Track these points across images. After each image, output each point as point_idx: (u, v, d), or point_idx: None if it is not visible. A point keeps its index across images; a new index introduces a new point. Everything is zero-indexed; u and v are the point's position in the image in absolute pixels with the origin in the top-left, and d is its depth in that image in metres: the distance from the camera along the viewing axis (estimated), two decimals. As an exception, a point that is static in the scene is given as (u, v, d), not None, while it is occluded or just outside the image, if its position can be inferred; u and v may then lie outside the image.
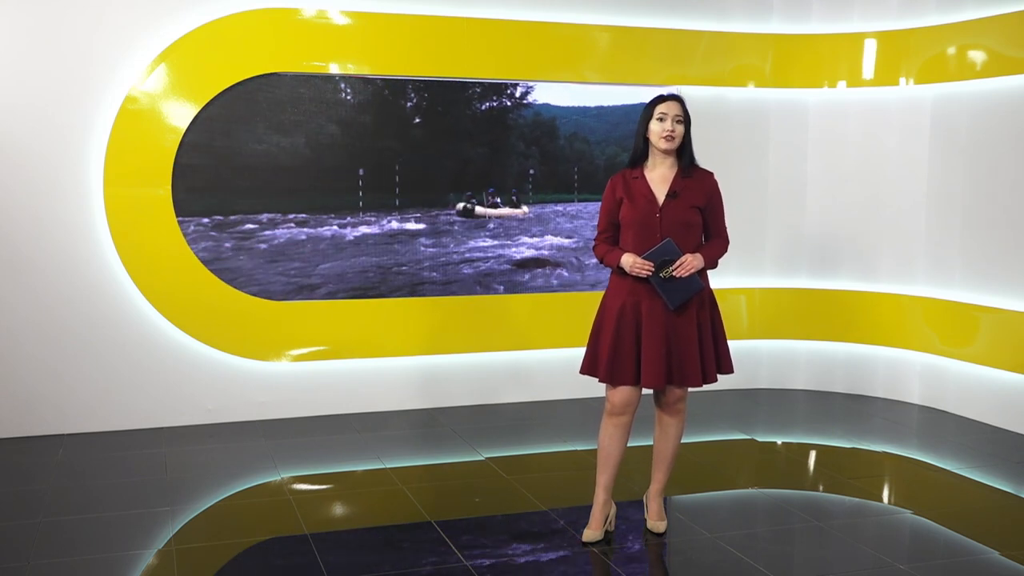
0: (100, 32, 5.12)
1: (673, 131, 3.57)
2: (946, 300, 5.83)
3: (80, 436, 5.22)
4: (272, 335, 5.55)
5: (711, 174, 3.69)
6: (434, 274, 5.77)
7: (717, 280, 5.23)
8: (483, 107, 5.85)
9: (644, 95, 5.91)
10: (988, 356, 5.58)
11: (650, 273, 3.52)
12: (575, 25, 5.88)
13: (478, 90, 5.79)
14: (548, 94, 5.93)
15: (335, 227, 5.59)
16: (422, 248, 5.78)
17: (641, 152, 3.66)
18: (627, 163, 3.72)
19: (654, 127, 3.59)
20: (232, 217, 5.44)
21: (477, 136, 5.85)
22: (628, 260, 3.55)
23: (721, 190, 3.72)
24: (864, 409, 5.97)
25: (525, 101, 5.92)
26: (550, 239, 6.05)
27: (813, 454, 5.15)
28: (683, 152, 3.63)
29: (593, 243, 3.76)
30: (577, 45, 5.92)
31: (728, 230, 3.79)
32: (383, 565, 3.59)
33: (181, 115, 5.27)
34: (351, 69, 5.53)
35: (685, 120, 3.61)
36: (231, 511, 4.23)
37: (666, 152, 3.61)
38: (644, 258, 3.53)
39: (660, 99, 3.62)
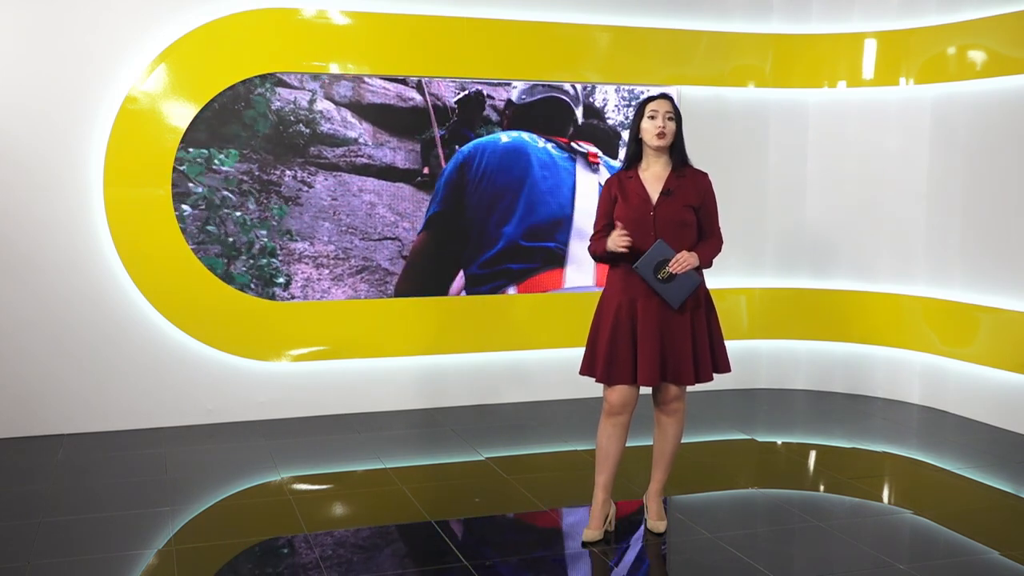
0: (100, 32, 5.12)
1: (664, 127, 3.58)
2: (946, 300, 5.83)
3: (80, 436, 5.22)
4: (272, 335, 5.55)
5: (705, 174, 3.70)
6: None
7: (717, 280, 5.25)
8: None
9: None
10: (988, 356, 5.58)
11: (629, 243, 3.52)
12: (575, 25, 5.88)
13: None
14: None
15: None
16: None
17: (635, 153, 3.68)
18: (622, 165, 3.73)
19: (646, 125, 3.61)
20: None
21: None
22: (611, 236, 3.55)
23: (721, 190, 3.74)
24: (864, 409, 5.97)
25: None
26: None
27: (813, 454, 5.15)
28: (675, 150, 3.64)
29: (589, 243, 3.77)
30: (577, 45, 5.91)
31: (725, 230, 3.80)
32: (383, 565, 3.59)
33: (181, 115, 5.27)
34: (351, 69, 5.53)
35: (676, 117, 3.62)
36: (231, 511, 4.23)
37: (659, 150, 3.62)
38: (639, 263, 3.53)
39: (650, 98, 3.64)
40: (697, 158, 3.77)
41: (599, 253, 3.67)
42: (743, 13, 6.18)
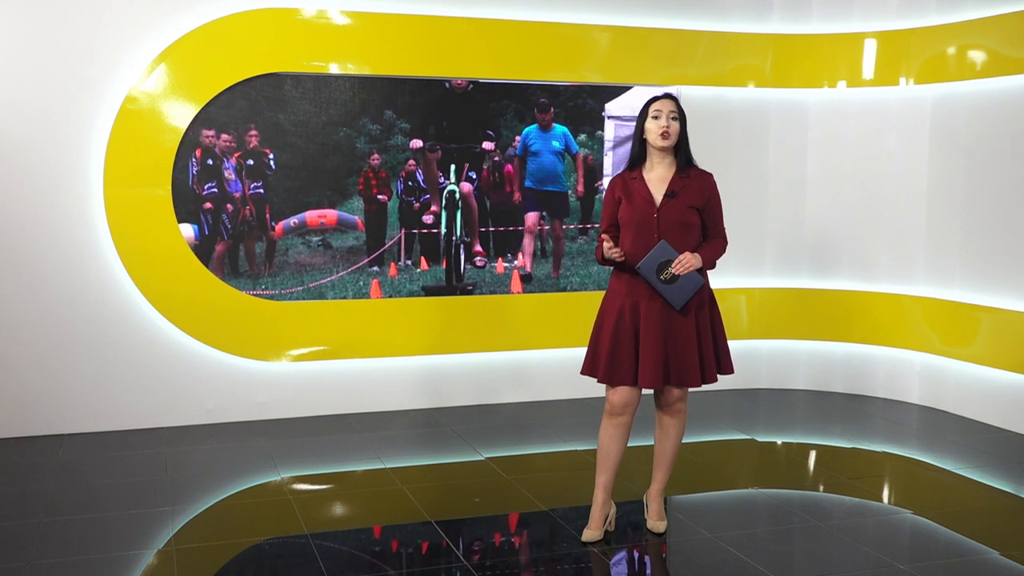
0: (100, 32, 5.12)
1: (668, 127, 3.57)
2: (946, 300, 5.83)
3: (80, 436, 5.22)
4: (272, 335, 5.55)
5: (709, 175, 3.69)
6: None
7: (717, 280, 5.24)
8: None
9: (645, 95, 5.90)
10: (988, 356, 5.58)
11: (620, 257, 3.50)
12: (575, 25, 5.88)
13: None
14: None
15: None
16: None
17: (639, 154, 3.67)
18: (626, 166, 3.73)
19: (650, 125, 3.60)
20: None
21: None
22: (604, 247, 3.52)
23: (721, 190, 3.73)
24: (864, 409, 5.97)
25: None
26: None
27: (813, 454, 5.15)
28: (680, 151, 3.64)
29: (596, 244, 3.77)
30: (577, 45, 5.91)
31: (727, 230, 3.79)
32: (383, 565, 3.59)
33: (181, 115, 5.27)
34: (351, 69, 5.53)
35: (680, 117, 3.61)
36: (231, 511, 4.23)
37: (663, 150, 3.62)
38: (642, 264, 3.52)
39: (654, 99, 3.64)
40: (697, 158, 3.77)
41: (599, 259, 3.67)
42: (743, 13, 6.18)
